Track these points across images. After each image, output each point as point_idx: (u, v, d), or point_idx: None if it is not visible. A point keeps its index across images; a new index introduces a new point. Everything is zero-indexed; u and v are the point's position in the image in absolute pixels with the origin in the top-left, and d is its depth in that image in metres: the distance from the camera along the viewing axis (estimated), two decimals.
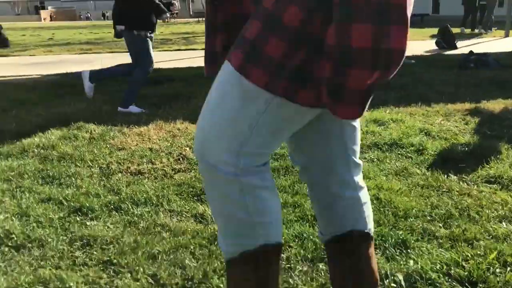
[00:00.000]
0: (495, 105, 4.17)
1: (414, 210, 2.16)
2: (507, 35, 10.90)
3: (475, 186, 2.43)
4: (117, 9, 4.33)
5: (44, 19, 49.26)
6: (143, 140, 3.41)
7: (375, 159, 2.89)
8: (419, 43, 9.81)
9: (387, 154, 2.98)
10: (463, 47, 8.80)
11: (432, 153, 2.96)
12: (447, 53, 8.13)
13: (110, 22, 37.48)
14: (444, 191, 2.39)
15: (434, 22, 17.97)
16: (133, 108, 4.37)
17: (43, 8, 57.70)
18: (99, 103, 4.69)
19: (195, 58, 8.65)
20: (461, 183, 2.48)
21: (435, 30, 12.26)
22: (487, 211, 2.14)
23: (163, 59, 8.57)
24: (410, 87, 5.06)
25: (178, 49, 10.56)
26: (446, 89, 4.94)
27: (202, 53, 9.66)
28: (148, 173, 2.80)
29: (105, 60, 8.57)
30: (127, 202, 2.37)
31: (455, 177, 2.56)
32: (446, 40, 8.64)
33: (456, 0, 20.54)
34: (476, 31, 13.29)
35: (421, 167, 2.73)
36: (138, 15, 4.23)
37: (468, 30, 13.30)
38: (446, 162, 2.79)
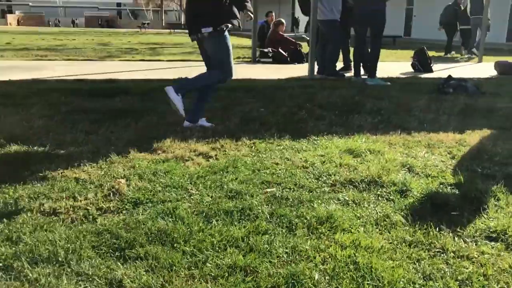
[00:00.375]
0: (482, 136, 3.76)
1: (402, 283, 1.64)
2: (480, 61, 10.78)
3: (475, 245, 1.94)
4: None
5: (10, 23, 47.55)
6: (71, 166, 2.80)
7: (351, 202, 2.37)
8: (394, 65, 9.51)
9: (365, 195, 2.47)
10: (439, 70, 8.54)
11: (418, 195, 2.47)
12: (424, 76, 7.83)
13: (78, 29, 36.22)
14: (438, 251, 1.88)
15: (406, 44, 17.97)
16: (203, 122, 3.97)
17: (11, 12, 55.81)
18: (36, 115, 4.05)
19: (158, 70, 8.06)
20: (456, 239, 1.99)
21: (408, 52, 12.08)
22: (495, 286, 1.64)
23: (122, 69, 7.94)
24: (387, 112, 4.63)
25: (141, 59, 9.93)
26: (427, 115, 4.52)
27: (167, 64, 9.06)
28: (65, 213, 2.19)
29: (57, 67, 7.88)
30: (23, 258, 1.76)
31: (449, 230, 2.06)
32: (422, 63, 8.36)
33: (427, 23, 20.74)
34: (449, 55, 13.21)
35: (406, 214, 2.22)
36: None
37: (453, 54, 13.22)
38: (435, 209, 2.30)
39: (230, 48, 3.80)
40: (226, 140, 3.46)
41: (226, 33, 3.76)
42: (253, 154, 3.16)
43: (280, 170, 2.84)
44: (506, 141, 3.64)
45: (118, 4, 63.68)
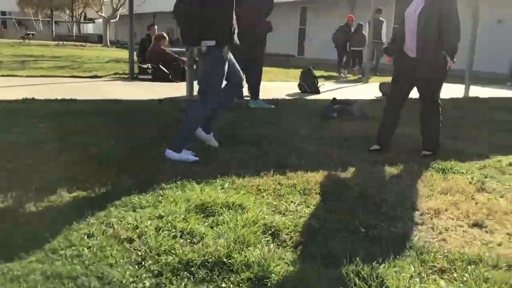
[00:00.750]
0: (367, 175, 3.18)
1: None
2: (367, 81, 10.82)
3: None
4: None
5: None
6: None
7: None
8: (282, 85, 9.06)
9: None
10: (326, 91, 8.22)
11: (279, 285, 1.71)
12: (310, 98, 7.40)
13: None
14: None
15: (299, 63, 18.05)
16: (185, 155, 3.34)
17: None
18: None
19: (7, 88, 6.67)
20: None
21: (300, 71, 11.86)
22: None
23: None
24: (265, 143, 3.93)
25: None
26: (308, 146, 3.89)
27: (21, 81, 7.63)
28: None
29: None
30: None
31: None
32: (308, 83, 7.97)
33: (320, 43, 21.20)
34: (342, 74, 13.27)
35: None
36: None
37: (345, 73, 13.26)
38: None
39: (225, 71, 3.39)
40: (31, 194, 2.46)
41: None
42: (62, 219, 2.20)
43: (90, 248, 1.92)
44: (394, 181, 3.10)
45: (3, 13, 57.96)
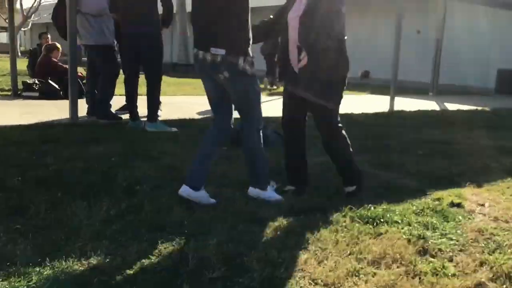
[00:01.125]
0: (275, 238, 2.30)
1: None
2: None
3: None
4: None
5: None
6: None
7: None
8: (194, 100, 7.90)
9: None
10: None
11: None
12: None
13: None
14: None
15: None
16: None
17: None
18: None
19: None
20: None
21: None
22: None
23: None
24: (143, 190, 2.93)
25: None
26: (210, 190, 2.93)
27: None
28: None
29: None
30: None
31: None
32: None
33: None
34: (269, 86, 12.65)
35: None
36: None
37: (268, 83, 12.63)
38: None
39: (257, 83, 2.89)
40: None
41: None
42: None
43: None
44: (311, 248, 2.23)
45: None
